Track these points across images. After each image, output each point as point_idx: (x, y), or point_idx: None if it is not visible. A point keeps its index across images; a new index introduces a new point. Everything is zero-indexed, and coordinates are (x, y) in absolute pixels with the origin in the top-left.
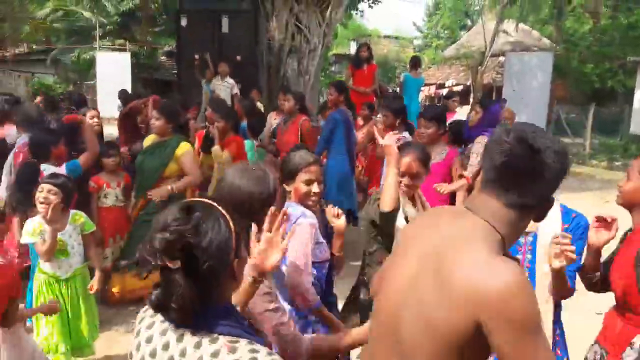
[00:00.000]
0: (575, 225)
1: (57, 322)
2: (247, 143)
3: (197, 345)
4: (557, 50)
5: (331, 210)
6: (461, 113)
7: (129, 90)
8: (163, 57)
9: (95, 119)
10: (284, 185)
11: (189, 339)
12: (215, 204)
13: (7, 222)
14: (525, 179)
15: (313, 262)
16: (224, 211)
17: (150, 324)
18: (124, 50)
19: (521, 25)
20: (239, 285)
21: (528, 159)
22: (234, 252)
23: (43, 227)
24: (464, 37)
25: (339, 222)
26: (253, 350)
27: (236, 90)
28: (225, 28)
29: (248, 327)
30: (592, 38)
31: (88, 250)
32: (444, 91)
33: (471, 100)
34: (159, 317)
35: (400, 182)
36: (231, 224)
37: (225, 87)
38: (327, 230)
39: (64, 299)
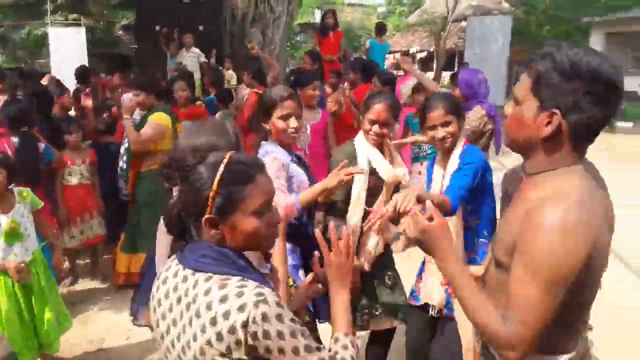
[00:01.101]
0: None
1: (17, 321)
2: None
3: (195, 285)
4: (516, 14)
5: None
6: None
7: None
8: (120, 32)
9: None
10: (263, 124)
11: (191, 279)
12: (226, 160)
13: None
14: None
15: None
16: (220, 170)
17: (168, 267)
18: (79, 25)
19: None
20: (225, 239)
21: None
22: (209, 208)
23: None
24: (427, 3)
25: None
26: (242, 286)
27: (203, 59)
28: None
29: (247, 267)
30: (548, 1)
31: (42, 228)
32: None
33: (434, 66)
34: (176, 260)
35: (370, 130)
36: (216, 181)
37: (191, 58)
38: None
39: (25, 290)
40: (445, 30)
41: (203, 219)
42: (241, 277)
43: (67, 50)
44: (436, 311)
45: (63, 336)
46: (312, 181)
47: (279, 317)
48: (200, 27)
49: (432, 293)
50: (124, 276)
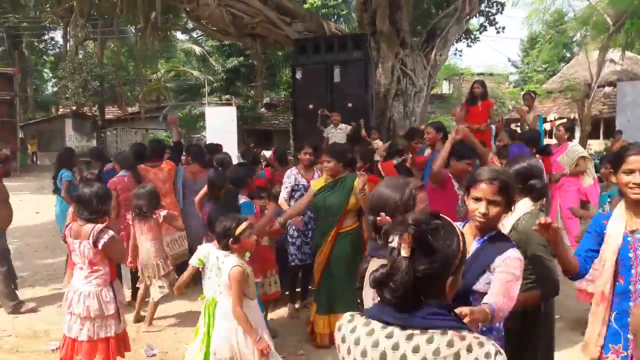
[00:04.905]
0: None
1: None
2: None
3: (429, 340)
4: None
5: None
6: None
7: (236, 141)
8: (262, 109)
9: None
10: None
11: (420, 337)
12: (455, 225)
13: None
14: None
15: None
16: (459, 232)
17: (369, 331)
18: (230, 104)
19: (627, 53)
20: (448, 300)
21: None
22: (454, 268)
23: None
24: (564, 69)
25: None
26: (477, 337)
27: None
28: (337, 78)
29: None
30: None
31: None
32: (547, 125)
33: (578, 134)
34: (376, 323)
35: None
36: (462, 244)
37: (340, 133)
38: None
39: None
40: (590, 97)
41: (451, 279)
42: (469, 330)
43: (220, 126)
44: None
45: None
46: None
47: None
48: (349, 105)
49: None
50: (322, 337)
